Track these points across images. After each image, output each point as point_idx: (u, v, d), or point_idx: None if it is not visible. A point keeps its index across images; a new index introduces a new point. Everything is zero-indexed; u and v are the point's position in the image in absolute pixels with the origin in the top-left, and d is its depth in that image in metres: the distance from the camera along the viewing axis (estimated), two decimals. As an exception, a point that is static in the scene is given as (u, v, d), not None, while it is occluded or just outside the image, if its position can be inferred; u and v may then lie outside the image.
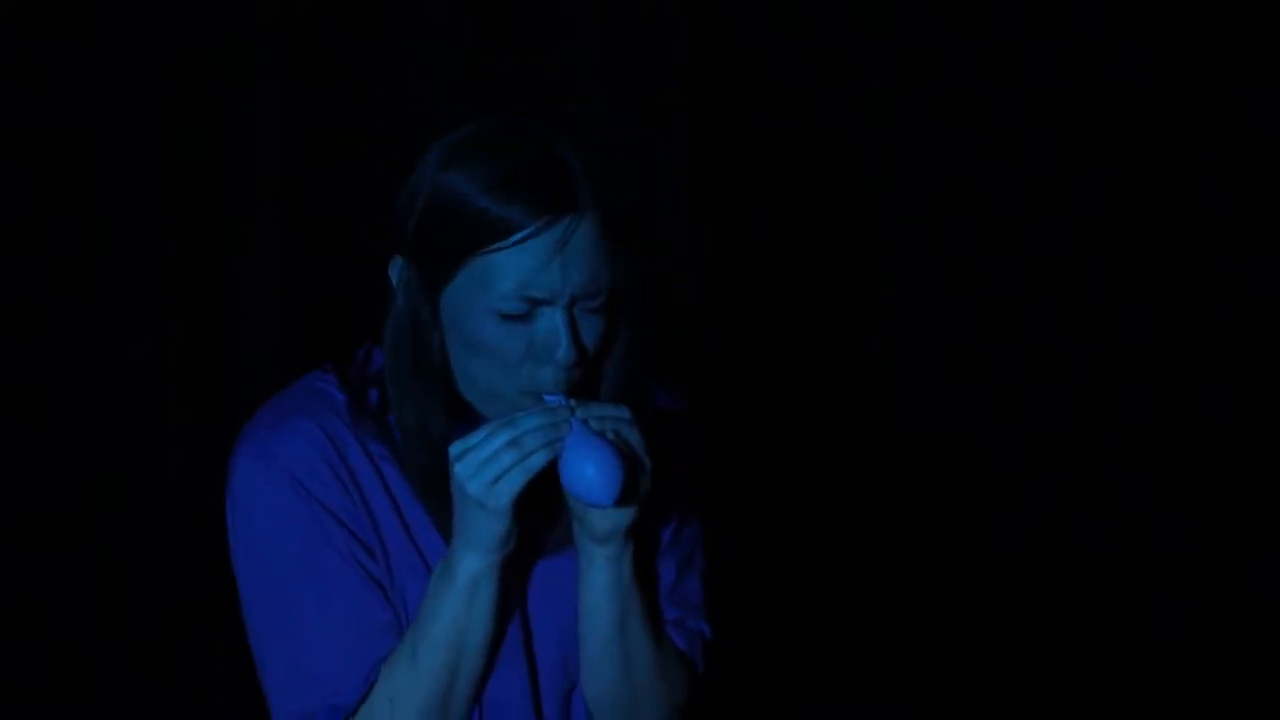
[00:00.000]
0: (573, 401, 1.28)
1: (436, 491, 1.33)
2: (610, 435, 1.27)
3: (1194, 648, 2.76)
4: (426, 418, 1.34)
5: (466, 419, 1.34)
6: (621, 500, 1.26)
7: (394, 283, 1.34)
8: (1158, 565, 2.79)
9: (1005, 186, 2.78)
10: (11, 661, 2.37)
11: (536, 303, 1.28)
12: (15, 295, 2.37)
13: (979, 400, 2.79)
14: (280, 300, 2.49)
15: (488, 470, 1.24)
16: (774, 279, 2.75)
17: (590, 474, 1.25)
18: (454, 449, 1.25)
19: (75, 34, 2.38)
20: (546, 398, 1.28)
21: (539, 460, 1.25)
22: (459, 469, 1.24)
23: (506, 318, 1.28)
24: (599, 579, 1.33)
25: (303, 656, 1.31)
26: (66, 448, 2.40)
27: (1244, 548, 2.76)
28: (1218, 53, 2.74)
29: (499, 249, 1.26)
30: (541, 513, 1.34)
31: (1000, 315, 2.79)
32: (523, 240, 1.26)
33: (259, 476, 1.33)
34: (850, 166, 2.78)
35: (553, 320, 1.28)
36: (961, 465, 2.80)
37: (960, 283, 2.79)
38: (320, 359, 1.42)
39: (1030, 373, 2.79)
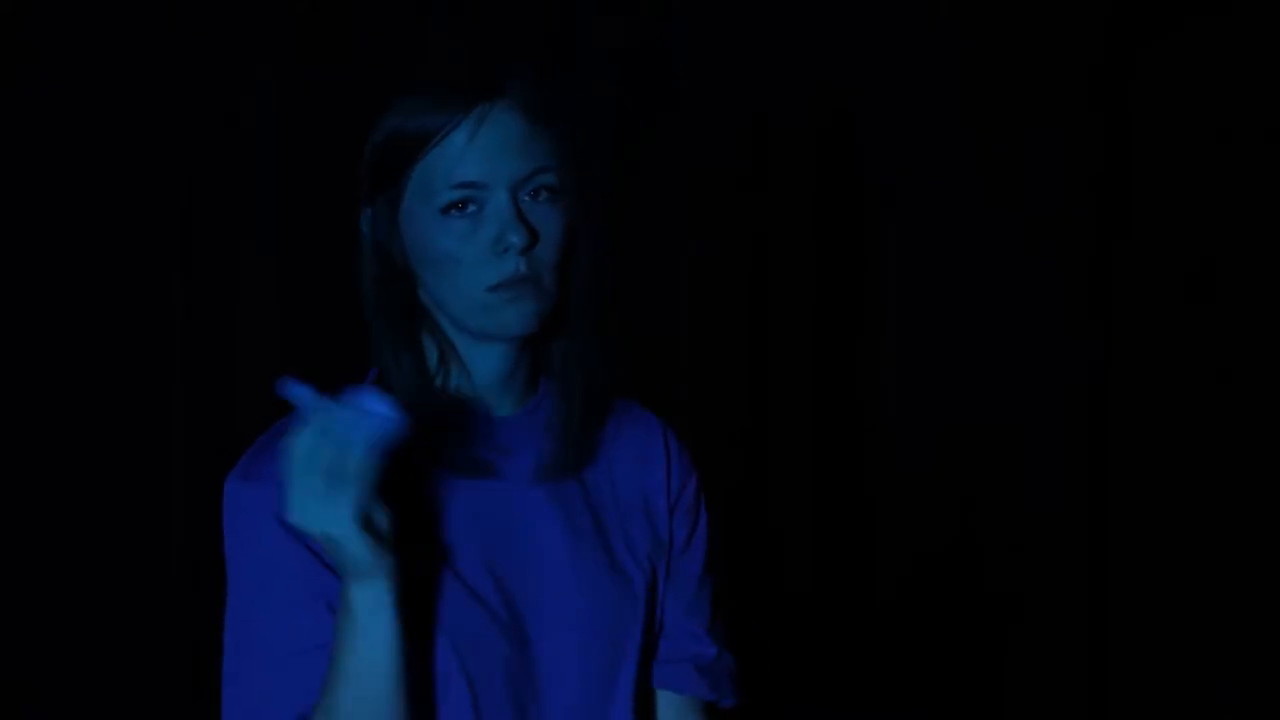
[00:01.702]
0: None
1: (438, 450, 1.35)
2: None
3: (1194, 648, 2.76)
4: (408, 354, 1.37)
5: (443, 356, 1.38)
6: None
7: (364, 233, 1.39)
8: (1158, 565, 2.79)
9: (1006, 186, 2.78)
10: (11, 661, 2.37)
11: (474, 189, 1.32)
12: (15, 296, 2.37)
13: (979, 400, 2.79)
14: (282, 300, 2.49)
15: (310, 504, 1.20)
16: (774, 279, 2.75)
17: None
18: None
19: (75, 33, 2.38)
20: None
21: (357, 462, 1.20)
22: (292, 515, 1.20)
23: (452, 215, 1.32)
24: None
25: (256, 683, 1.32)
26: (66, 448, 2.40)
27: (1244, 547, 2.77)
28: (1218, 52, 2.74)
29: (429, 150, 1.33)
30: None
31: (1000, 315, 2.79)
32: (446, 134, 1.32)
33: (243, 503, 1.33)
34: (850, 166, 2.79)
35: (498, 210, 1.32)
36: (962, 465, 2.80)
37: (960, 283, 2.79)
38: (323, 361, 1.42)
39: (1030, 372, 2.80)
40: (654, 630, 1.46)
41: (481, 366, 1.39)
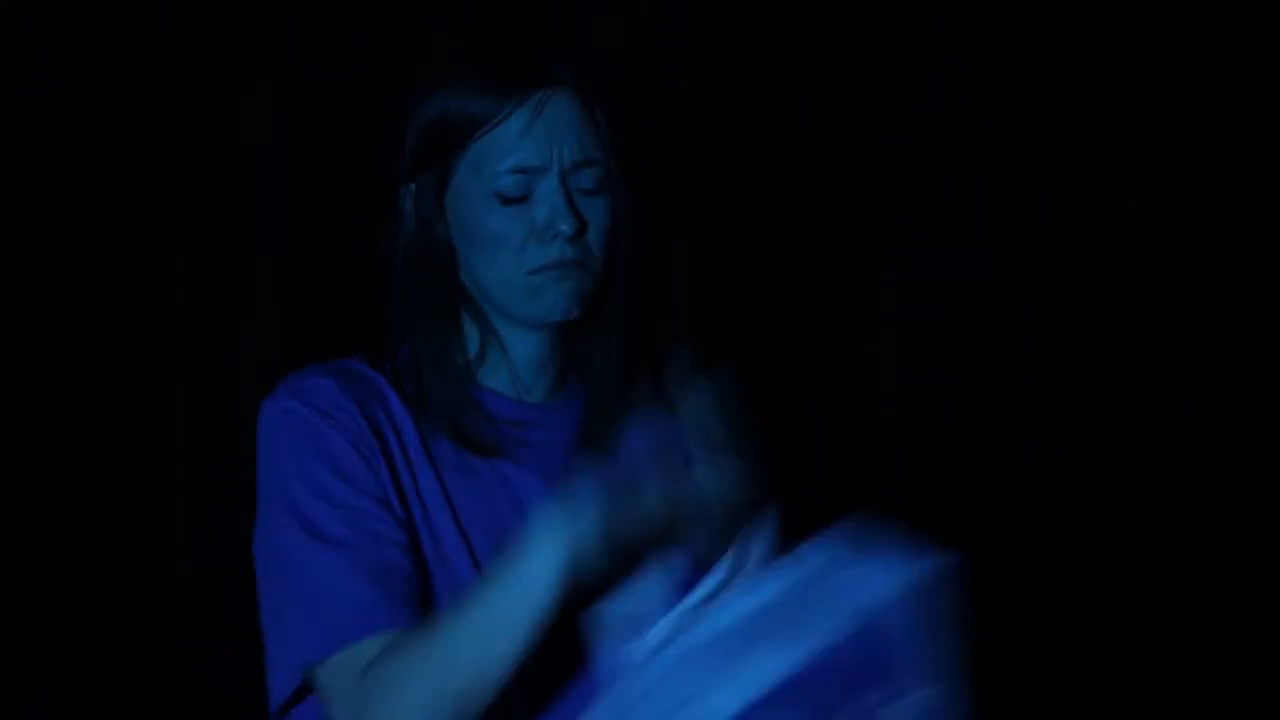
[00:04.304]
0: None
1: (459, 427, 1.35)
2: None
3: (1194, 647, 2.76)
4: (442, 332, 1.37)
5: (481, 337, 1.38)
6: None
7: (404, 210, 1.39)
8: (1158, 564, 2.79)
9: (1006, 187, 2.78)
10: (11, 661, 2.37)
11: (529, 174, 1.33)
12: (15, 296, 2.37)
13: (979, 400, 2.79)
14: (282, 300, 2.49)
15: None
16: (774, 279, 2.74)
17: None
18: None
19: (75, 33, 2.38)
20: None
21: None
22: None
23: (506, 201, 1.33)
24: None
25: (307, 596, 1.29)
26: (66, 447, 2.40)
27: (1244, 547, 2.77)
28: (1218, 52, 2.74)
29: (485, 132, 1.33)
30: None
31: (1000, 315, 2.79)
32: (505, 117, 1.33)
33: (287, 410, 1.34)
34: (850, 166, 2.78)
35: (549, 195, 1.33)
36: (962, 465, 2.80)
37: (960, 283, 2.79)
38: (323, 361, 1.42)
39: (1031, 373, 2.80)
40: None
41: (518, 351, 1.40)
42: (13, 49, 2.35)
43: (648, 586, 1.22)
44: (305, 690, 1.31)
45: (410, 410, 1.37)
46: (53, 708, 2.39)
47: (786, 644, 1.13)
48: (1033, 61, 2.76)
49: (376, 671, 1.23)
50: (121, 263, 2.42)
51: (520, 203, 1.33)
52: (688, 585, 1.23)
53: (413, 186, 1.38)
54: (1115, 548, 2.82)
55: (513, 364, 1.39)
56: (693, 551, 1.24)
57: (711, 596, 1.21)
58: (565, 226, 1.32)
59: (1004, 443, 2.80)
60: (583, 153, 1.34)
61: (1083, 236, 2.78)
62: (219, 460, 2.41)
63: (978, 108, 2.76)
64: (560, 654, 1.27)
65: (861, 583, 1.16)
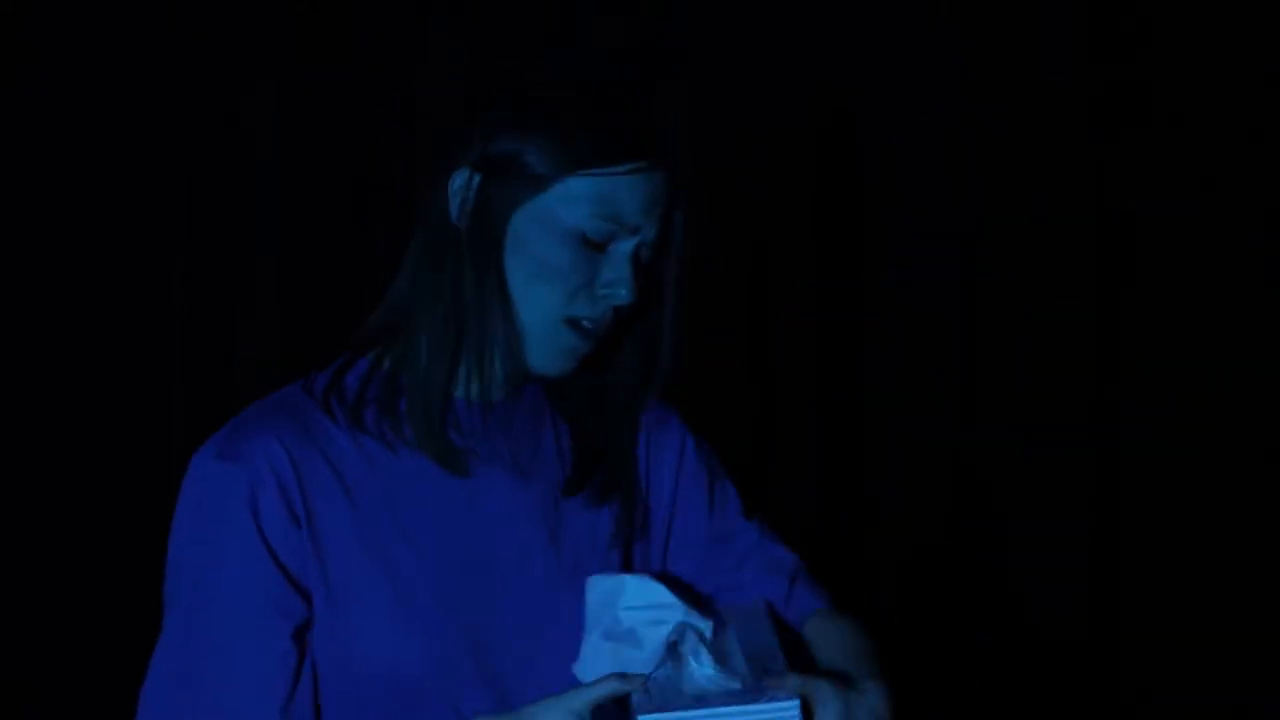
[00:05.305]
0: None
1: (441, 441, 1.32)
2: None
3: (1196, 645, 2.76)
4: (446, 336, 1.32)
5: (475, 351, 1.33)
6: None
7: (450, 196, 1.32)
8: (1160, 564, 2.79)
9: (1006, 186, 2.78)
10: (11, 661, 2.37)
11: (621, 227, 1.30)
12: (15, 296, 2.38)
13: (980, 401, 2.79)
14: (282, 300, 2.49)
15: None
16: (774, 279, 2.75)
17: None
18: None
19: (75, 33, 2.38)
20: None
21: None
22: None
23: (587, 243, 1.30)
24: None
25: (205, 692, 1.30)
26: (67, 447, 2.40)
27: (1247, 545, 2.77)
28: (1218, 52, 2.74)
29: (608, 173, 1.29)
30: None
31: (1000, 315, 2.79)
32: (626, 170, 1.29)
33: (216, 483, 1.30)
34: (850, 166, 2.78)
35: (622, 258, 1.31)
36: (962, 466, 2.80)
37: (960, 283, 2.79)
38: (322, 361, 1.42)
39: (1031, 372, 2.80)
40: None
41: (508, 369, 1.36)
42: (13, 49, 2.35)
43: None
44: None
45: (353, 435, 1.32)
46: (53, 708, 2.39)
47: None
48: (1033, 61, 2.77)
49: None
50: (121, 263, 2.42)
51: (595, 249, 1.30)
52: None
53: (474, 178, 1.31)
54: (1115, 548, 2.82)
55: (494, 376, 1.35)
56: None
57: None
58: (624, 293, 1.30)
59: (1004, 443, 2.80)
60: (658, 234, 1.33)
61: (1083, 236, 2.78)
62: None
63: (978, 108, 2.76)
64: None
65: None
